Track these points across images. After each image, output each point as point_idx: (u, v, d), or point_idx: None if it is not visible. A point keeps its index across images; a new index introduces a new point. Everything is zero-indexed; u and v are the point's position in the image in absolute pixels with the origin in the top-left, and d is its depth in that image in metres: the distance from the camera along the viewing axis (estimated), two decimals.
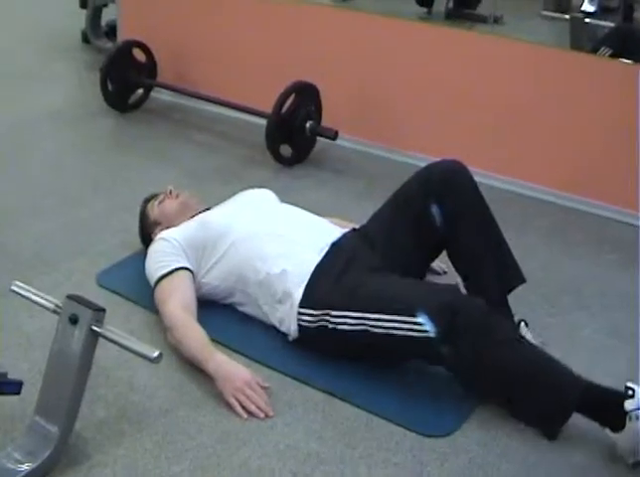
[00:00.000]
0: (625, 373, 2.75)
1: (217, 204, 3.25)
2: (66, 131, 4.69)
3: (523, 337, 2.65)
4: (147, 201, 3.31)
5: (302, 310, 2.75)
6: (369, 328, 2.58)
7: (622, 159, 3.77)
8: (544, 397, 2.46)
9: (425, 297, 2.54)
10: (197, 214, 3.16)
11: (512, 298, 2.76)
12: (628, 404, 2.37)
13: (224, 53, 4.88)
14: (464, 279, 2.79)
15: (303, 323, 2.75)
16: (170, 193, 3.26)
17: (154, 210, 3.24)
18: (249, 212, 3.06)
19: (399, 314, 2.52)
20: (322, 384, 2.67)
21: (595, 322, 3.09)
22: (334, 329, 2.67)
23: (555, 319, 3.08)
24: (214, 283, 2.95)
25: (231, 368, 2.60)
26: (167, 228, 3.15)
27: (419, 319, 2.46)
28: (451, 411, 2.60)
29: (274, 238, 2.89)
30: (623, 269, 3.45)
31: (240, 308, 2.97)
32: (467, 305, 2.52)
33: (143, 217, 3.29)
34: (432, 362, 2.62)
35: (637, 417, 2.34)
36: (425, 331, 2.45)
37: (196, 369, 2.66)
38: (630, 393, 2.39)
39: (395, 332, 2.52)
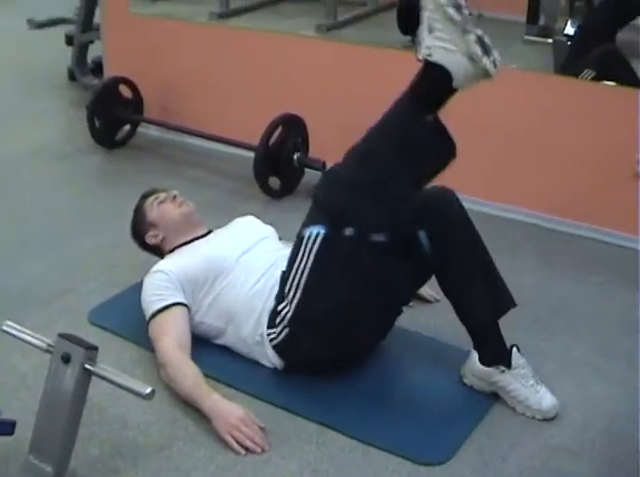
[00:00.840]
0: (619, 393, 2.77)
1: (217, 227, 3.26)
2: (53, 168, 4.70)
3: None
4: (146, 196, 3.27)
5: (269, 331, 2.79)
6: (302, 280, 2.68)
7: (608, 181, 3.81)
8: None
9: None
10: (197, 238, 3.16)
11: (503, 323, 2.76)
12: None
13: (209, 87, 4.90)
14: (454, 305, 2.80)
15: (275, 342, 2.79)
16: (174, 198, 3.24)
17: (153, 209, 3.21)
18: (249, 251, 3.03)
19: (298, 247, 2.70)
20: (315, 415, 2.67)
21: (587, 344, 3.10)
22: (291, 317, 2.72)
23: (546, 342, 3.09)
24: (206, 321, 2.95)
25: (225, 406, 2.59)
26: (162, 235, 3.16)
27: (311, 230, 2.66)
28: (446, 439, 2.60)
29: (269, 280, 2.89)
30: (612, 290, 3.47)
31: (230, 347, 2.97)
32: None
33: (139, 213, 3.24)
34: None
35: None
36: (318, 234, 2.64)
37: (190, 405, 2.65)
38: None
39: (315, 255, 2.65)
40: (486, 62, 2.41)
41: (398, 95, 2.61)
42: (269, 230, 3.29)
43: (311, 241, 2.66)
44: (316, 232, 2.65)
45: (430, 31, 2.46)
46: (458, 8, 2.42)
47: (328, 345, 2.76)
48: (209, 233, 3.22)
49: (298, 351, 2.80)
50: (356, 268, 2.67)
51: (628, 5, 4.22)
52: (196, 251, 3.06)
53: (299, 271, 2.69)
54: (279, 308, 2.76)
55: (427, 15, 2.46)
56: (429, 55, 2.47)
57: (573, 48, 4.33)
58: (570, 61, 4.29)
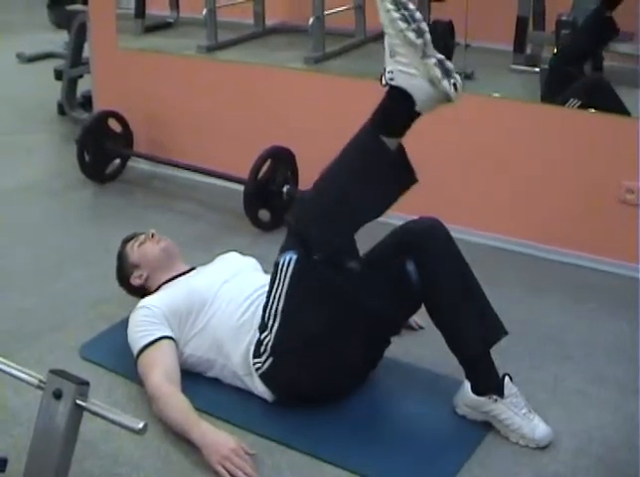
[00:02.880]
0: (612, 421, 2.77)
1: (200, 264, 3.27)
2: (43, 203, 4.70)
3: None
4: (126, 241, 3.30)
5: (255, 360, 2.80)
6: (279, 307, 2.72)
7: (595, 208, 3.83)
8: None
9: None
10: (181, 274, 3.17)
11: (494, 352, 2.76)
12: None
13: (199, 120, 4.92)
14: (445, 335, 2.80)
15: (261, 372, 2.79)
16: (152, 236, 3.26)
17: (134, 252, 3.23)
18: (233, 283, 3.04)
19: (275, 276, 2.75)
20: (307, 447, 2.66)
21: (579, 371, 3.10)
22: (272, 346, 2.74)
23: (538, 370, 3.09)
24: (195, 354, 2.95)
25: (216, 436, 2.59)
26: (146, 274, 3.18)
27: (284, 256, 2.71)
28: (439, 469, 2.60)
29: (251, 309, 2.89)
30: (604, 317, 3.47)
31: (220, 380, 2.96)
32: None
33: (122, 258, 3.27)
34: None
35: None
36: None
37: (182, 438, 2.65)
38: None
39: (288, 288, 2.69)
40: (446, 85, 2.44)
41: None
42: (251, 261, 3.31)
43: (285, 268, 2.71)
44: (289, 258, 2.70)
45: (392, 55, 2.51)
46: (419, 32, 2.46)
47: (312, 373, 2.76)
48: (191, 269, 3.23)
49: (283, 380, 2.80)
50: (331, 294, 2.70)
51: (596, 32, 4.27)
52: (179, 285, 3.08)
53: (276, 298, 2.73)
54: (262, 337, 2.77)
55: (389, 40, 2.50)
56: (392, 79, 2.51)
57: (552, 76, 4.36)
58: (555, 89, 4.31)
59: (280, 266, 2.72)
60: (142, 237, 3.27)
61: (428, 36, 2.49)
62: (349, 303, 2.73)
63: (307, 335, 2.70)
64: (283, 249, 2.75)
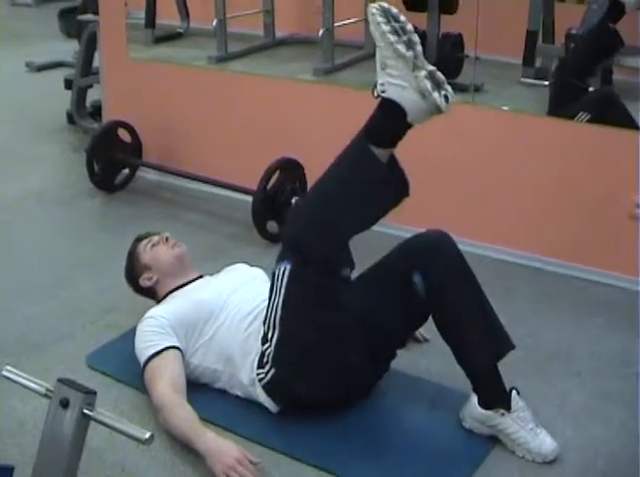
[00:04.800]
0: (618, 437, 2.76)
1: (208, 274, 3.27)
2: (52, 212, 4.71)
3: None
4: (139, 240, 3.30)
5: (258, 371, 2.80)
6: (276, 317, 2.72)
7: (605, 223, 3.82)
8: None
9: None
10: (189, 282, 3.17)
11: (501, 366, 2.76)
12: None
13: (208, 131, 4.93)
14: (452, 348, 2.79)
15: (264, 383, 2.79)
16: (167, 240, 3.26)
17: (146, 252, 3.23)
18: (240, 293, 3.05)
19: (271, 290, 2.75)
20: (313, 459, 2.66)
21: (586, 386, 3.10)
22: (273, 356, 2.74)
23: (545, 385, 3.08)
24: (202, 364, 2.95)
25: (220, 445, 2.59)
26: (156, 277, 3.18)
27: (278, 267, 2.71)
28: None
29: (258, 320, 2.89)
30: (611, 332, 3.46)
31: (227, 390, 2.96)
32: None
33: (133, 256, 3.27)
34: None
35: None
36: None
37: (188, 448, 2.65)
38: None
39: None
40: (436, 97, 2.46)
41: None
42: (259, 272, 3.31)
43: (280, 278, 2.72)
44: (283, 267, 2.71)
45: (383, 68, 2.54)
46: (409, 45, 2.49)
47: (314, 384, 2.76)
48: (200, 277, 3.23)
49: (285, 391, 2.80)
50: (326, 303, 2.71)
51: (600, 44, 4.28)
52: (186, 296, 3.09)
53: (274, 309, 2.74)
54: (264, 348, 2.77)
55: (380, 52, 2.53)
56: (383, 91, 2.54)
57: (557, 88, 4.37)
58: (560, 102, 4.32)
59: (276, 276, 2.73)
60: (156, 238, 3.27)
61: (419, 48, 2.52)
62: (347, 313, 2.73)
63: (305, 345, 2.72)
64: (279, 259, 2.76)
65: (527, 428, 2.67)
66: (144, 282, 3.21)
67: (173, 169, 4.92)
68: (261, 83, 4.74)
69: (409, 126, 2.57)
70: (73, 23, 6.13)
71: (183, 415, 2.71)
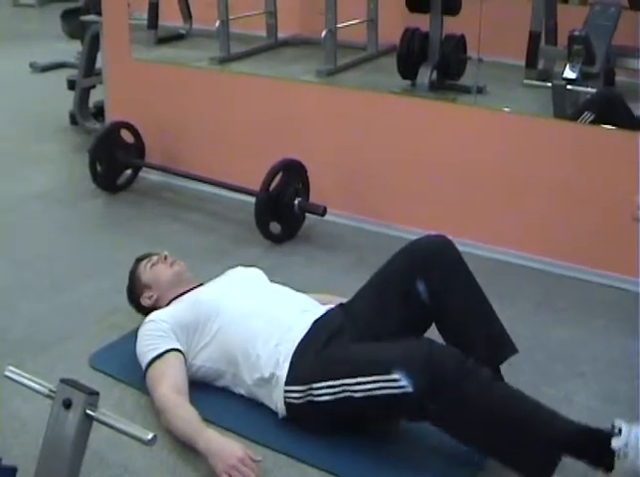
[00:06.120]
0: None
1: (209, 280, 3.27)
2: (55, 213, 4.71)
3: (502, 379, 2.70)
4: (139, 260, 3.31)
5: (288, 388, 2.76)
6: (350, 394, 2.59)
7: (607, 224, 3.82)
8: (533, 443, 2.44)
9: (400, 353, 2.56)
10: (189, 290, 3.17)
11: (504, 368, 2.76)
12: (615, 443, 2.37)
13: (210, 132, 4.93)
14: None
15: (290, 400, 2.75)
16: (165, 258, 3.27)
17: (146, 272, 3.24)
18: (239, 292, 3.06)
19: (376, 374, 2.53)
20: (317, 461, 2.65)
21: (589, 388, 3.10)
22: (318, 402, 2.68)
23: (549, 387, 3.08)
24: (205, 365, 2.95)
25: (222, 444, 2.59)
26: (156, 295, 3.19)
27: (396, 375, 2.47)
28: None
29: (262, 320, 2.89)
30: (613, 333, 3.46)
31: (230, 389, 2.96)
32: (442, 353, 2.54)
33: (133, 277, 3.28)
34: (416, 418, 2.62)
35: (625, 455, 2.34)
36: (403, 387, 2.46)
37: (190, 449, 2.64)
38: (617, 431, 2.40)
39: (375, 392, 2.54)
40: None
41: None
42: (257, 271, 3.32)
43: (391, 387, 2.51)
44: (405, 385, 2.48)
45: None
46: None
47: (345, 415, 2.73)
48: (200, 285, 3.24)
49: (311, 419, 2.76)
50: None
51: None
52: (186, 300, 3.10)
53: (352, 390, 2.61)
54: (311, 383, 2.70)
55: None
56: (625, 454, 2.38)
57: (573, 91, 4.37)
58: (570, 104, 4.32)
59: (385, 382, 2.53)
60: (155, 258, 3.28)
61: None
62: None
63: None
64: (402, 361, 2.54)
65: None
66: (145, 301, 3.23)
67: (175, 170, 4.92)
68: (264, 85, 4.75)
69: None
70: (75, 24, 6.12)
71: (184, 415, 2.71)
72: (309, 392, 2.69)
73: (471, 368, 2.52)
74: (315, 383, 2.68)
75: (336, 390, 2.63)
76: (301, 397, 2.72)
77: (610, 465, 2.37)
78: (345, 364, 2.67)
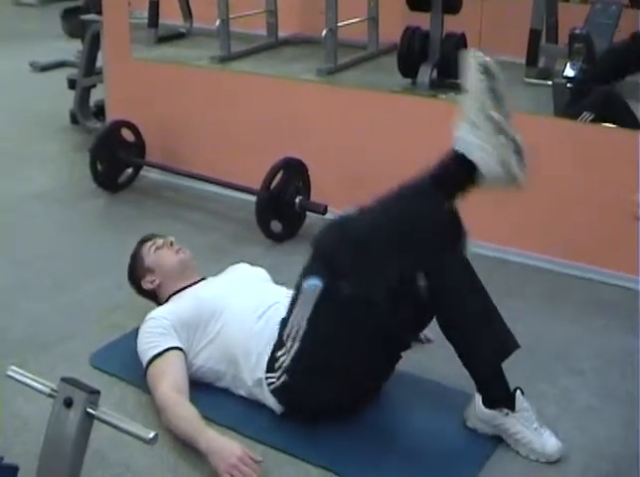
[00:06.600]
0: (622, 436, 2.76)
1: (211, 274, 3.27)
2: (56, 212, 4.71)
3: None
4: (143, 241, 3.29)
5: (267, 375, 2.80)
6: (298, 329, 2.70)
7: (608, 222, 3.81)
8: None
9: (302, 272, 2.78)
10: (191, 285, 3.17)
11: (505, 365, 2.76)
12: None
13: (211, 131, 4.93)
14: (456, 348, 2.79)
15: (273, 387, 2.79)
16: (171, 244, 3.26)
17: (150, 255, 3.23)
18: (242, 291, 3.06)
19: (296, 299, 2.74)
20: (317, 459, 2.66)
21: (590, 386, 3.10)
22: (291, 366, 2.73)
23: (549, 385, 3.09)
24: (205, 365, 2.95)
25: (222, 444, 2.60)
26: (158, 281, 3.18)
27: (305, 285, 2.69)
28: None
29: (264, 320, 2.90)
30: (614, 331, 3.47)
31: (231, 390, 2.97)
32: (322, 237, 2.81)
33: (136, 258, 3.26)
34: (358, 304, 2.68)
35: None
36: (316, 285, 2.66)
37: (191, 449, 2.65)
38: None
39: (307, 314, 2.68)
40: (517, 172, 2.47)
41: (418, 172, 2.68)
42: (261, 271, 3.32)
43: (309, 293, 2.68)
44: (314, 285, 2.67)
45: (467, 121, 2.55)
46: (500, 104, 2.51)
47: (327, 393, 2.77)
48: (202, 280, 3.24)
49: (296, 397, 2.80)
50: (354, 321, 2.68)
51: (631, 60, 4.28)
52: (188, 297, 3.09)
53: (297, 322, 2.71)
54: (278, 355, 2.76)
55: (467, 103, 2.55)
56: (468, 152, 2.55)
57: (573, 90, 4.36)
58: (570, 103, 4.32)
59: (304, 291, 2.71)
60: (160, 241, 3.26)
61: (509, 110, 2.53)
62: (371, 327, 2.71)
63: (325, 359, 2.71)
64: (307, 273, 2.74)
65: (531, 428, 2.67)
66: (146, 285, 3.22)
67: (176, 169, 4.92)
68: (264, 84, 4.75)
69: (477, 186, 2.61)
70: (76, 23, 6.12)
71: (185, 415, 2.71)
72: (279, 367, 2.75)
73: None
74: (282, 355, 2.75)
75: (290, 331, 2.73)
76: (279, 377, 2.76)
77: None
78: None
